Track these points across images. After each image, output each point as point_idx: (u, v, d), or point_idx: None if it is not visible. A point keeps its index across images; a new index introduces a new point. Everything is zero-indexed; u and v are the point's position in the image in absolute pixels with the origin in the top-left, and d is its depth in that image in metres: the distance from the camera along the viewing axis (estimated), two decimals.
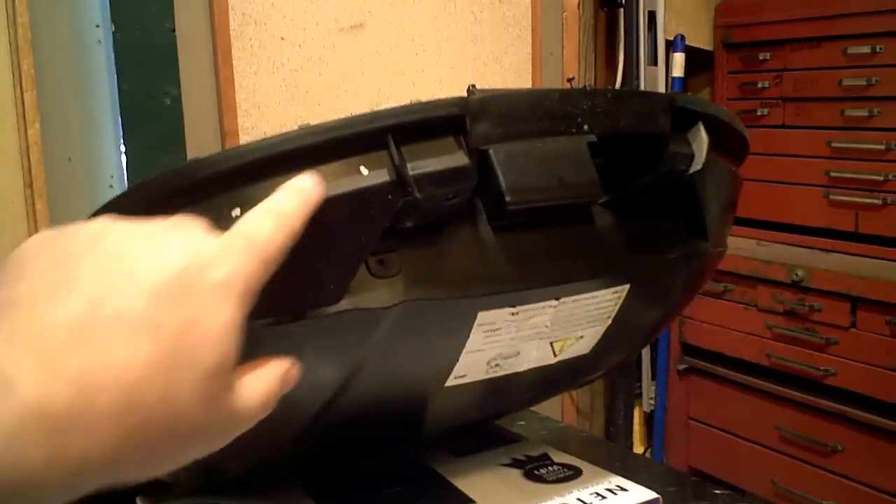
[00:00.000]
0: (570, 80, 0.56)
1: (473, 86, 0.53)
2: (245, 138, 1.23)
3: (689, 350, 1.85)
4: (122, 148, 1.22)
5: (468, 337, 0.51)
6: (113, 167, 1.25)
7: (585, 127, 0.50)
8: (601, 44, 1.81)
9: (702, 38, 1.85)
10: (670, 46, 1.80)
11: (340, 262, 0.44)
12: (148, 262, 0.32)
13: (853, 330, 1.54)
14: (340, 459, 0.65)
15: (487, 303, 0.50)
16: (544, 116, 0.49)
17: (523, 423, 0.96)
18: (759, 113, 1.78)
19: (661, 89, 1.79)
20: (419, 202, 0.45)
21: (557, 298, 0.53)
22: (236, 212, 0.43)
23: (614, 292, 0.57)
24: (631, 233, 0.57)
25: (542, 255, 0.53)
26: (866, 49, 1.58)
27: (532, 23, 1.62)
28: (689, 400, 1.87)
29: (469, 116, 0.46)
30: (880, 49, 1.57)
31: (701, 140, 0.57)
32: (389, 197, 0.44)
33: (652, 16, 1.77)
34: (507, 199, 0.48)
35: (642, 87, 1.76)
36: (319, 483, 0.63)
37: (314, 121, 0.44)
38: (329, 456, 0.64)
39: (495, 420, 0.76)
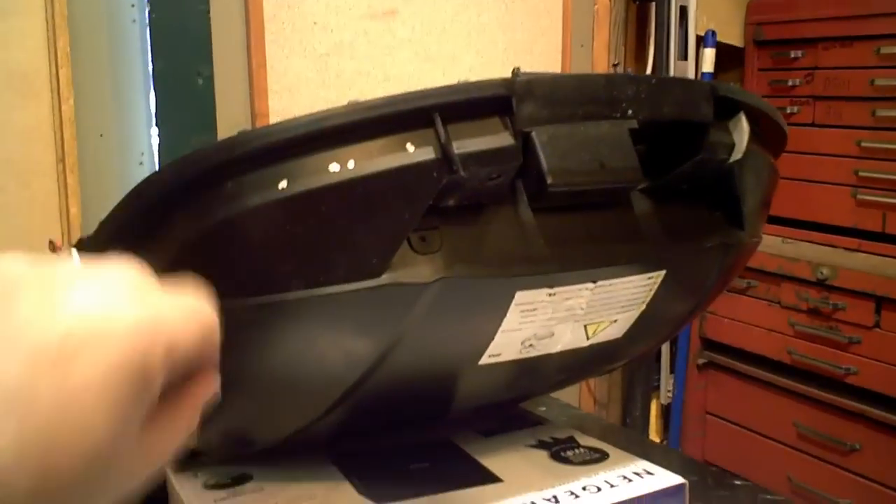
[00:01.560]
0: (615, 66, 0.56)
1: (518, 68, 0.53)
2: (275, 121, 1.24)
3: (708, 345, 1.85)
4: (154, 126, 1.23)
5: (505, 316, 0.52)
6: (144, 145, 1.27)
7: (630, 112, 0.50)
8: (631, 37, 1.80)
9: (733, 35, 1.84)
10: (701, 42, 1.79)
11: (384, 236, 0.45)
12: (37, 316, 0.27)
13: (877, 330, 1.53)
14: (367, 433, 0.66)
15: (526, 283, 0.50)
16: (590, 100, 0.49)
17: (544, 408, 0.97)
18: (788, 111, 1.77)
19: None
20: (463, 181, 0.45)
21: (594, 281, 0.54)
22: (283, 184, 0.43)
23: (650, 278, 0.57)
24: (669, 220, 0.58)
25: (580, 238, 0.53)
26: None
27: (563, 14, 1.62)
28: (706, 394, 1.87)
29: (515, 97, 0.46)
30: None
31: (742, 129, 0.58)
32: (434, 174, 0.45)
33: (683, 10, 1.76)
34: (549, 181, 0.49)
35: None
36: (347, 456, 0.64)
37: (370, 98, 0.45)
38: (358, 429, 0.64)
39: (522, 401, 0.77)
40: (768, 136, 0.63)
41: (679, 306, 0.65)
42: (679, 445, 1.92)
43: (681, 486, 0.61)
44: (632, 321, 0.60)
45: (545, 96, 0.47)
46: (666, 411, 1.94)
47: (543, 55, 1.62)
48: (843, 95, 1.68)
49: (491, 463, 0.63)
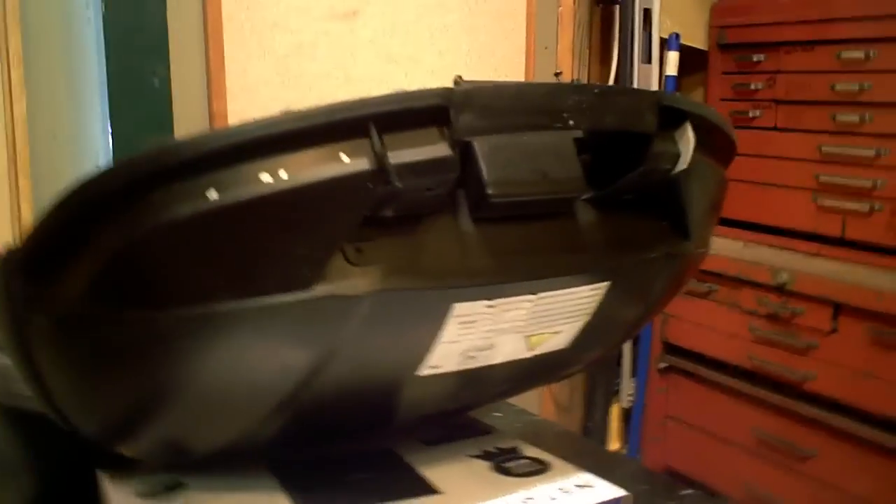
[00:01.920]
0: (557, 75, 0.55)
1: (460, 77, 0.53)
2: (233, 122, 1.23)
3: (670, 349, 1.86)
4: (109, 127, 1.21)
5: (443, 328, 0.51)
6: (99, 146, 1.24)
7: (571, 122, 0.50)
8: (596, 40, 1.81)
9: (697, 38, 1.85)
10: (665, 45, 1.80)
11: (317, 247, 0.44)
12: None
13: (834, 335, 1.55)
14: (309, 443, 0.65)
15: (464, 295, 0.50)
16: (530, 110, 0.49)
17: (500, 414, 0.96)
18: (751, 114, 1.78)
19: (655, 87, 1.79)
20: (399, 192, 0.45)
21: (535, 293, 0.53)
22: (212, 194, 0.42)
23: (594, 289, 0.57)
24: (613, 230, 0.57)
25: (522, 249, 0.53)
26: (860, 54, 1.59)
27: (527, 16, 1.62)
28: (667, 399, 1.88)
29: (453, 108, 0.45)
30: (874, 54, 1.57)
31: (687, 140, 0.57)
32: (369, 185, 0.44)
33: (647, 13, 1.77)
34: (490, 191, 0.48)
35: (636, 84, 1.76)
36: (286, 466, 0.63)
37: (304, 107, 0.44)
38: (298, 439, 0.63)
39: (470, 410, 0.76)
40: (717, 146, 0.63)
41: (626, 315, 0.64)
42: (639, 449, 1.93)
43: (620, 499, 0.61)
44: (577, 331, 0.60)
45: (484, 106, 0.47)
46: (627, 415, 1.95)
47: (507, 57, 1.61)
48: (805, 100, 1.69)
49: (432, 474, 0.63)
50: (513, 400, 0.90)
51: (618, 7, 1.73)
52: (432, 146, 0.45)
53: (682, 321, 1.81)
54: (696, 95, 1.99)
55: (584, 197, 0.55)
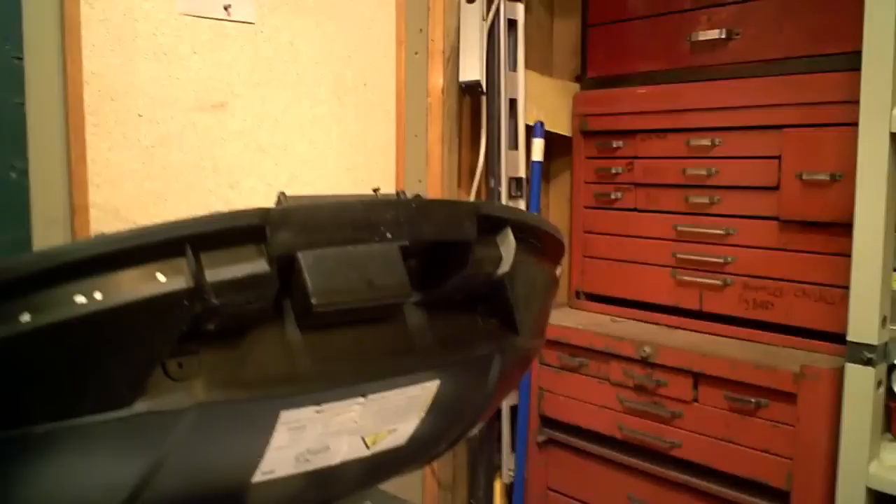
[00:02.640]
0: (375, 191, 0.59)
1: (283, 193, 0.56)
2: (95, 213, 1.21)
3: (547, 422, 1.90)
4: None
5: (272, 435, 0.52)
6: None
7: (389, 235, 0.53)
8: (466, 127, 1.89)
9: (561, 125, 1.96)
10: (531, 132, 1.89)
11: (134, 366, 0.45)
12: None
13: (695, 404, 1.62)
14: None
15: (290, 402, 0.51)
16: (347, 226, 0.51)
17: (369, 503, 0.97)
18: (612, 196, 1.88)
19: (522, 172, 1.87)
20: (218, 308, 0.47)
21: (364, 395, 0.55)
22: (25, 317, 0.43)
23: (423, 388, 0.59)
24: (442, 330, 0.60)
25: (350, 353, 0.55)
26: (706, 141, 1.71)
27: (397, 106, 1.68)
28: (547, 471, 1.91)
29: (270, 226, 0.48)
30: (719, 142, 1.70)
31: (508, 244, 0.62)
32: (186, 303, 0.45)
33: (513, 103, 1.86)
34: (314, 301, 0.50)
35: (503, 170, 1.83)
36: None
37: (172, 198, 0.45)
38: None
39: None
40: (544, 246, 0.68)
41: (465, 408, 0.67)
42: None
43: None
44: (413, 428, 0.62)
45: (301, 224, 0.49)
46: (510, 490, 1.97)
47: (378, 145, 1.66)
48: (660, 182, 1.80)
49: None
50: (394, 482, 0.91)
51: (485, 97, 1.81)
52: (250, 263, 0.47)
53: (556, 395, 1.86)
54: (564, 178, 2.09)
55: (412, 300, 0.58)
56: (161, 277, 0.45)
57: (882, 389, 1.38)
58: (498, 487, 1.98)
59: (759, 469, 1.52)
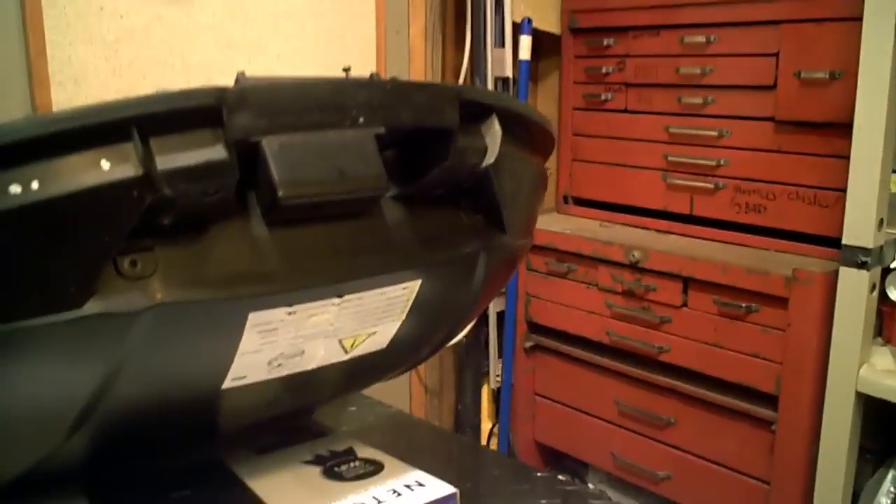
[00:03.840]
0: (346, 70, 0.53)
1: (242, 73, 0.50)
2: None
3: (534, 328, 1.89)
4: None
5: (241, 339, 0.48)
6: None
7: (361, 120, 0.48)
8: (450, 24, 1.80)
9: (550, 22, 1.87)
10: (518, 29, 1.81)
11: (81, 263, 0.41)
12: None
13: (685, 309, 1.61)
14: (129, 461, 0.62)
15: (259, 303, 0.47)
16: (314, 108, 0.46)
17: (354, 408, 0.95)
18: (603, 97, 1.82)
19: (509, 72, 1.80)
20: (172, 199, 0.42)
21: (340, 296, 0.51)
22: None
23: (404, 288, 0.55)
24: (423, 227, 0.56)
25: (322, 251, 0.50)
26: (701, 38, 1.64)
27: (377, 0, 1.59)
28: (535, 377, 1.91)
29: (226, 108, 0.43)
30: (714, 39, 1.63)
31: (494, 133, 0.57)
32: (135, 194, 0.41)
33: None
34: (280, 193, 0.46)
35: (489, 69, 1.76)
36: (102, 486, 0.59)
37: (61, 109, 0.40)
38: (114, 458, 0.60)
39: (304, 414, 0.74)
40: (531, 138, 0.63)
41: (448, 310, 0.64)
42: (510, 428, 1.96)
43: (451, 496, 0.60)
44: (394, 331, 0.58)
45: (262, 105, 0.44)
46: (497, 395, 1.97)
47: (357, 42, 1.58)
48: (652, 82, 1.74)
49: (258, 484, 0.60)
50: (380, 387, 0.88)
51: None
52: (205, 149, 0.42)
53: (544, 301, 1.85)
54: (553, 79, 2.02)
55: (389, 195, 0.54)
56: (105, 164, 0.40)
57: (875, 293, 1.36)
58: (485, 393, 1.99)
59: (748, 374, 1.52)
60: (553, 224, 1.83)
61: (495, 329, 1.92)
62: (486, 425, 2.02)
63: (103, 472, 0.62)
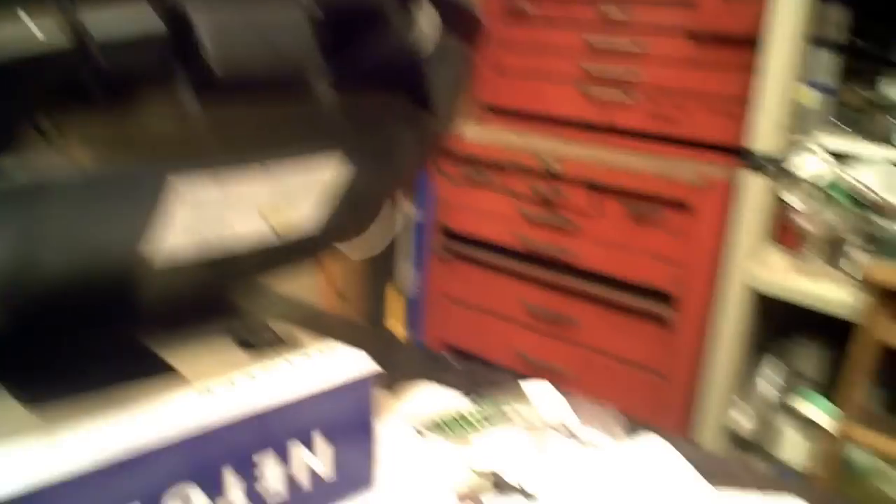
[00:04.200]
0: None
1: None
2: None
3: (448, 235, 1.91)
4: None
5: (162, 205, 0.48)
6: None
7: None
8: None
9: None
10: None
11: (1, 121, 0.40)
12: None
13: (596, 216, 1.66)
14: (43, 339, 0.61)
15: (182, 168, 0.47)
16: None
17: (268, 301, 0.95)
18: (522, 7, 1.81)
19: None
20: (99, 64, 0.41)
21: (264, 169, 0.51)
22: None
23: (330, 167, 0.56)
24: (353, 107, 0.56)
25: (249, 124, 0.50)
26: None
27: None
28: (447, 283, 1.95)
29: None
30: None
31: (427, 16, 0.57)
32: (59, 57, 0.39)
33: None
34: (213, 66, 0.45)
35: None
36: (10, 359, 0.58)
37: None
38: (26, 336, 0.59)
39: (223, 294, 0.74)
40: (461, 25, 0.63)
41: (371, 191, 0.64)
42: (422, 332, 2.00)
43: (368, 366, 0.60)
44: (316, 210, 0.59)
45: None
46: (411, 302, 2.01)
47: None
48: None
49: (171, 355, 0.60)
50: (289, 289, 0.88)
51: None
52: (137, 15, 0.41)
53: (459, 209, 1.87)
54: None
55: (322, 76, 0.53)
56: (26, 20, 0.38)
57: (774, 199, 1.43)
58: (396, 299, 2.01)
59: (651, 275, 1.59)
60: (471, 133, 1.83)
61: (408, 234, 1.94)
62: (397, 330, 2.06)
63: (16, 352, 0.61)
